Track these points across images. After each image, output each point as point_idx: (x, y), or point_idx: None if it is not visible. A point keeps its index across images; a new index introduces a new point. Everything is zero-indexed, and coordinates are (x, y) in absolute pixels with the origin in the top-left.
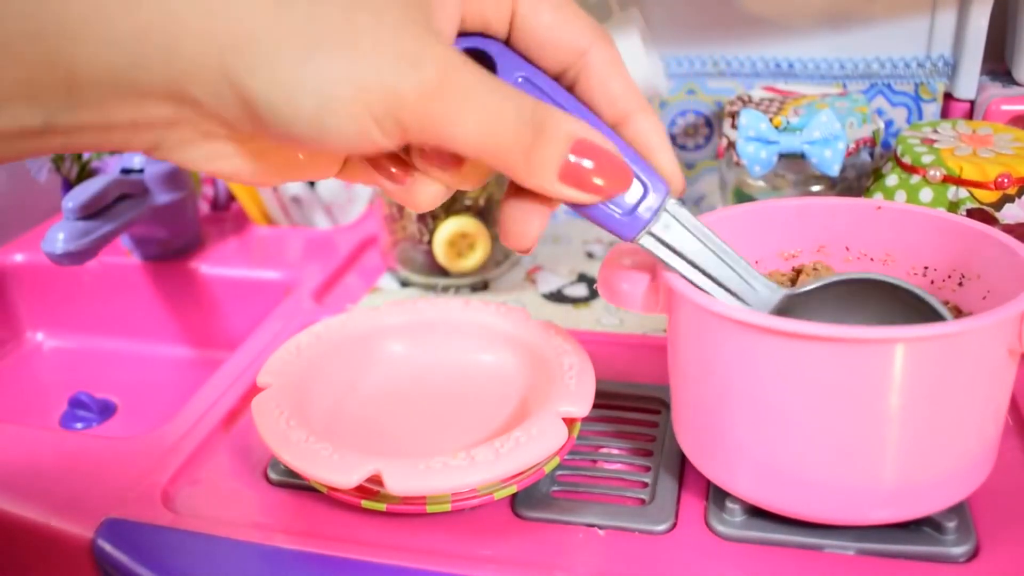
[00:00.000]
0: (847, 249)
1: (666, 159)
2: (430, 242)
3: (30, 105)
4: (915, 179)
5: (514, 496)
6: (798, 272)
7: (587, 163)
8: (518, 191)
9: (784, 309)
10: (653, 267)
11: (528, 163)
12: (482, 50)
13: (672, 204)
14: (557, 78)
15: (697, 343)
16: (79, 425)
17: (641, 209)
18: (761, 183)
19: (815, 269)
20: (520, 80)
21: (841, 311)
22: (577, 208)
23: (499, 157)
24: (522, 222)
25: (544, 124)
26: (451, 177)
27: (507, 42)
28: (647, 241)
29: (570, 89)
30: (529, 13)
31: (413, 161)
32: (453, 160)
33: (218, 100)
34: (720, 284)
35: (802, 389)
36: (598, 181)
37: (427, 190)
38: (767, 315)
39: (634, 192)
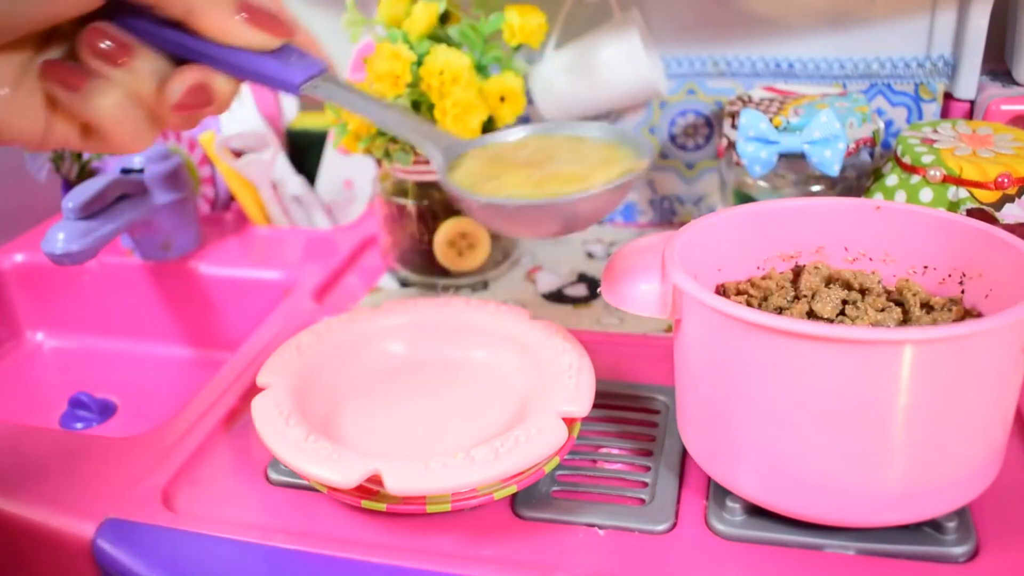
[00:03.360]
0: (846, 249)
1: (312, 41)
2: (430, 242)
3: None
4: (915, 179)
5: (514, 496)
6: (798, 273)
7: (257, 8)
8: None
9: (453, 146)
10: (662, 270)
11: None
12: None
13: (330, 74)
14: None
15: (705, 343)
16: (79, 425)
17: (306, 65)
18: (761, 183)
19: (816, 269)
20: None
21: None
22: (244, 69)
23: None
24: (177, 78)
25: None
26: (125, 72)
27: None
28: (315, 91)
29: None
30: None
31: (87, 62)
32: (123, 49)
33: None
34: (389, 123)
35: (809, 390)
36: (269, 22)
37: (107, 96)
38: (775, 316)
39: (297, 57)
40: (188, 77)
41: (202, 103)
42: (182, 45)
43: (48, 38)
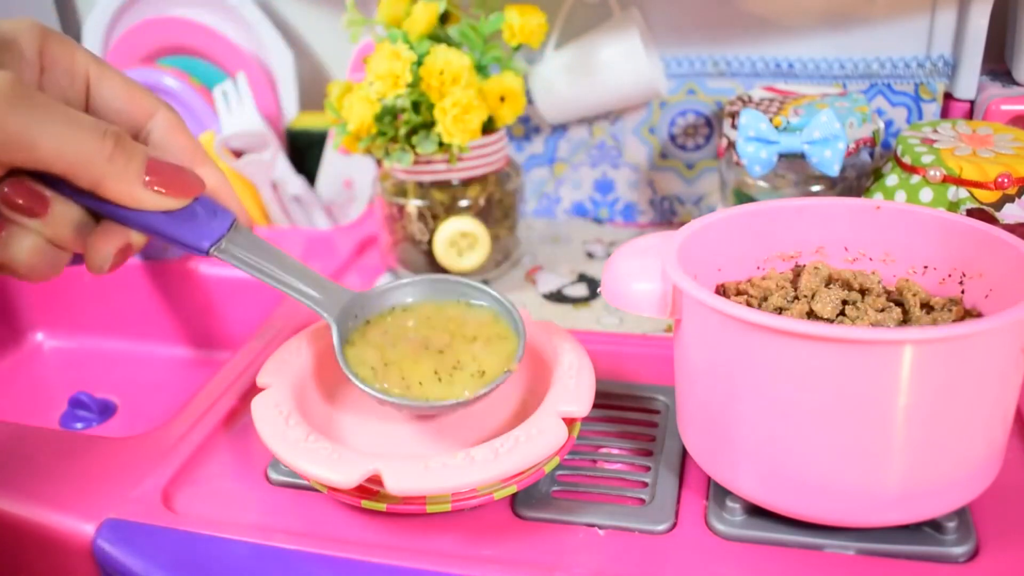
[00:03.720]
0: (846, 249)
1: (231, 197)
2: (430, 242)
3: None
4: (915, 179)
5: (514, 496)
6: (798, 273)
7: (164, 169)
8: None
9: (350, 308)
10: (661, 270)
11: (113, 168)
12: None
13: (239, 225)
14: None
15: (705, 342)
16: (79, 425)
17: (214, 226)
18: (761, 183)
19: (816, 269)
20: None
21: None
22: (157, 231)
23: (84, 165)
24: (103, 243)
25: (121, 137)
26: (42, 224)
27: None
28: (222, 254)
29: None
30: (100, 85)
31: (3, 212)
32: (40, 202)
33: None
34: (289, 287)
35: (809, 390)
36: (177, 184)
37: (23, 243)
38: (775, 316)
39: (206, 216)
40: (113, 242)
41: (126, 258)
42: (95, 206)
43: None
